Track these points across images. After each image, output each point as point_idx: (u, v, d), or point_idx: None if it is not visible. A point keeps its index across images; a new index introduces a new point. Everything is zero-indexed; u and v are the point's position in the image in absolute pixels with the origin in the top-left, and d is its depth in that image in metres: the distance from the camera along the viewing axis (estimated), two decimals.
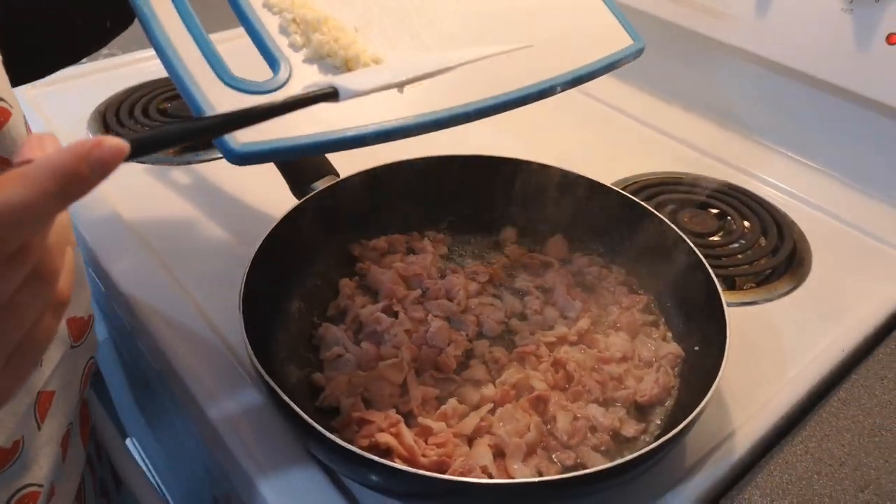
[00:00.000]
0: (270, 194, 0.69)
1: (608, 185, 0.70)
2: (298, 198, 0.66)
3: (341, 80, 0.35)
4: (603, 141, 0.97)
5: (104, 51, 1.12)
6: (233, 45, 0.51)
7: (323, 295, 0.65)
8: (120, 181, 0.81)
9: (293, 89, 0.47)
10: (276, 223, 0.60)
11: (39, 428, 0.52)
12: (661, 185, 0.86)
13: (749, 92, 0.95)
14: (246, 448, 0.54)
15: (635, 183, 0.86)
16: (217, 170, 0.85)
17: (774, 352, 0.66)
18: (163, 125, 0.70)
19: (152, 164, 0.86)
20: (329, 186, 0.66)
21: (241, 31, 0.51)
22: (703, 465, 0.55)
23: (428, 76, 0.42)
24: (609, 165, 0.88)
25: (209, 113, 0.43)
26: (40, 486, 0.52)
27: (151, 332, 0.63)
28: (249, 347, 0.50)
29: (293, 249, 0.63)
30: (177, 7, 0.46)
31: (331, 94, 0.34)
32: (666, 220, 0.66)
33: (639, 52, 0.63)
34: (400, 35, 0.54)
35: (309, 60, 0.50)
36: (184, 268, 0.70)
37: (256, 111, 0.33)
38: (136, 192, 0.81)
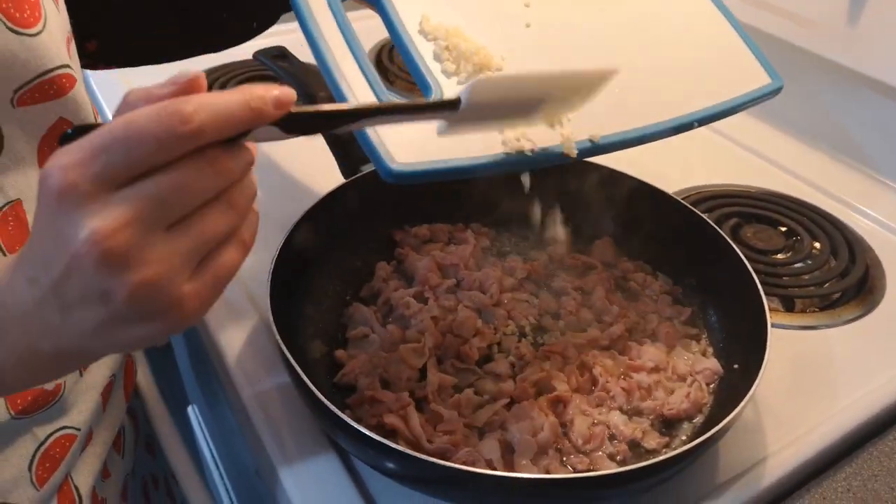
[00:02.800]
0: (328, 175, 0.68)
1: (665, 191, 0.67)
2: (347, 178, 0.67)
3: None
4: (672, 147, 0.93)
5: None
6: None
7: (359, 276, 0.65)
8: None
9: None
10: (315, 202, 0.61)
11: (81, 375, 0.55)
12: (725, 197, 0.82)
13: (832, 105, 0.90)
14: (269, 424, 0.55)
15: (698, 193, 0.82)
16: (279, 147, 0.87)
17: (828, 380, 0.62)
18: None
19: None
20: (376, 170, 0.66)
21: None
22: (730, 488, 0.52)
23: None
24: (676, 173, 0.84)
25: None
26: (77, 429, 0.55)
27: None
28: (272, 319, 0.51)
29: (332, 229, 0.63)
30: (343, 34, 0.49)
31: (454, 104, 0.37)
32: (720, 232, 0.63)
33: (776, 91, 0.60)
34: (541, 65, 0.54)
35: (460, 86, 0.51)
36: None
37: (381, 108, 0.37)
38: None
